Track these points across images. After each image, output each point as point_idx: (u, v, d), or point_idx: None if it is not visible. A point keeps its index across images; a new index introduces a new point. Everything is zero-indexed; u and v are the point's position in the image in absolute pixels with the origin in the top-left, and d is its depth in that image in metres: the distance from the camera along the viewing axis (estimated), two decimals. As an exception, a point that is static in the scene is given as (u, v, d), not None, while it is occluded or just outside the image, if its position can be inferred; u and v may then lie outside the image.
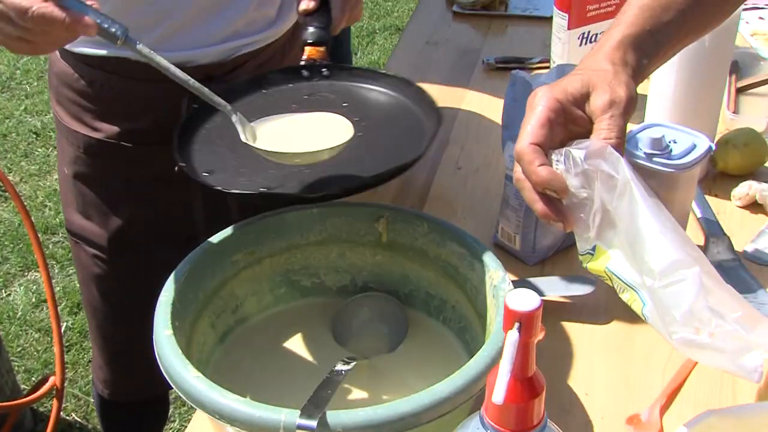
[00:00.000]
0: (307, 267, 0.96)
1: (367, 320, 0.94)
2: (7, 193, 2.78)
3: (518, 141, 0.70)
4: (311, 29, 1.06)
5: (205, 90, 0.89)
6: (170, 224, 1.19)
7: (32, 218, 1.82)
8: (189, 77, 0.87)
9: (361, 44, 3.70)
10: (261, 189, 0.92)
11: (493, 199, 1.13)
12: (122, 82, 1.11)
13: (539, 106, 0.71)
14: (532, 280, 0.98)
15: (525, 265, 1.03)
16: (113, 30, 0.83)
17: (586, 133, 0.71)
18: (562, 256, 1.04)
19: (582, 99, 0.72)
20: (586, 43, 1.26)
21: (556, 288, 0.98)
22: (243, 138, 0.89)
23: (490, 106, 1.38)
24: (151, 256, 1.11)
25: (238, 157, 0.96)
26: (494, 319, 0.79)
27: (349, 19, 1.10)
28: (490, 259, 0.84)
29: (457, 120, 1.37)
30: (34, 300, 2.31)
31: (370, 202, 0.95)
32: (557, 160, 0.69)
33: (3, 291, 2.35)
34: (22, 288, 2.36)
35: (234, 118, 0.90)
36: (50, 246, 2.51)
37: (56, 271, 2.42)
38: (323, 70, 1.07)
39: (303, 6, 1.06)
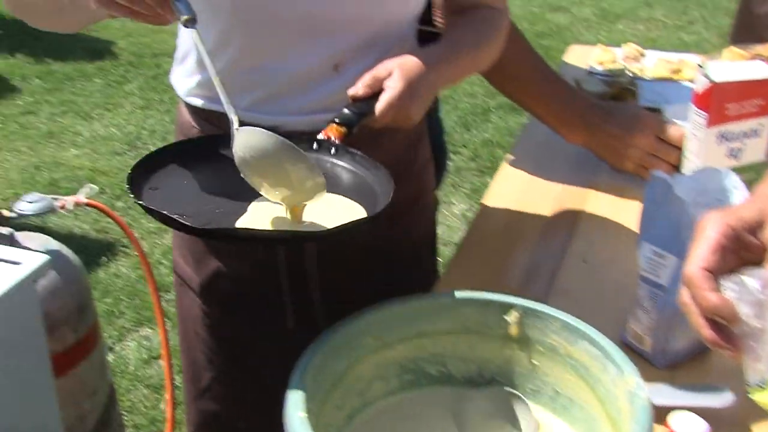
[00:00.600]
0: (434, 355, 0.97)
1: (490, 414, 0.95)
2: (127, 249, 2.92)
3: (687, 264, 0.71)
4: (345, 111, 1.07)
5: (224, 95, 0.97)
6: (257, 278, 1.25)
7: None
8: (215, 74, 0.97)
9: (475, 121, 3.76)
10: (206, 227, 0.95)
11: (621, 296, 1.12)
12: None
13: (712, 231, 0.72)
14: (662, 385, 0.97)
15: (654, 368, 1.02)
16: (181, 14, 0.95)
17: (760, 261, 0.71)
18: (696, 360, 1.02)
19: (757, 226, 0.73)
20: (724, 142, 1.26)
21: (687, 396, 0.96)
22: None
23: (618, 202, 1.38)
24: (240, 306, 1.24)
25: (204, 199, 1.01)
26: (629, 426, 0.79)
27: (393, 122, 1.09)
28: (624, 363, 0.84)
29: (583, 213, 1.37)
30: (145, 356, 2.40)
31: (502, 295, 0.96)
32: (728, 287, 0.69)
33: (117, 345, 2.45)
34: (134, 343, 2.46)
35: (234, 129, 0.96)
36: (163, 304, 2.61)
37: (168, 328, 2.50)
38: (332, 148, 1.08)
39: (352, 91, 1.08)
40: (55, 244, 1.75)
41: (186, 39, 1.24)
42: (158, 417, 2.20)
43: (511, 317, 0.94)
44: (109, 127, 3.78)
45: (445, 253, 2.90)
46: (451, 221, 3.08)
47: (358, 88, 1.07)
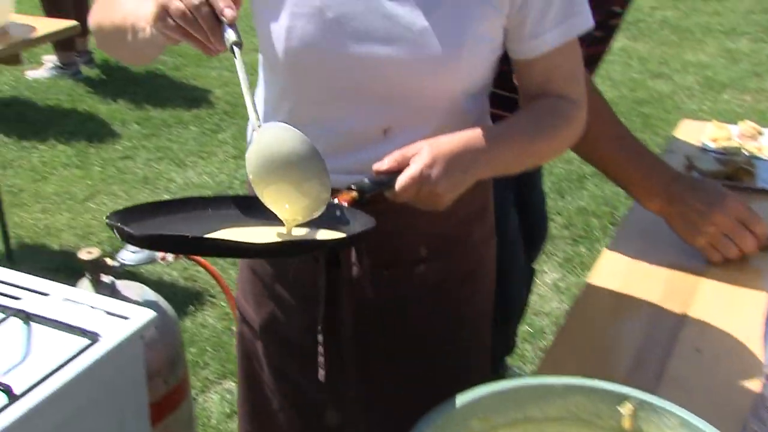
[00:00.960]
0: (541, 442, 0.95)
1: None
2: (214, 299, 2.97)
3: None
4: (364, 180, 1.08)
5: (249, 99, 1.01)
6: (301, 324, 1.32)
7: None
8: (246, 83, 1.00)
9: (570, 188, 3.72)
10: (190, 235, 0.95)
11: (739, 392, 1.08)
12: None
13: None
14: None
15: (774, 473, 0.97)
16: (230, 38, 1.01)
17: None
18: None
19: None
20: None
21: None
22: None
23: (732, 290, 1.34)
24: (293, 346, 1.33)
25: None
26: None
27: (418, 199, 1.09)
28: (750, 470, 0.80)
29: (695, 299, 1.34)
30: (227, 410, 2.42)
31: (616, 384, 0.94)
32: None
33: (199, 397, 2.48)
34: (217, 396, 2.48)
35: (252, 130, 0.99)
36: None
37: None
38: (337, 211, 1.09)
39: (377, 165, 1.08)
40: (152, 295, 1.80)
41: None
42: (237, 473, 2.21)
43: (625, 409, 0.91)
44: (202, 175, 3.88)
45: (535, 323, 2.86)
46: (543, 290, 3.04)
47: (383, 163, 1.09)
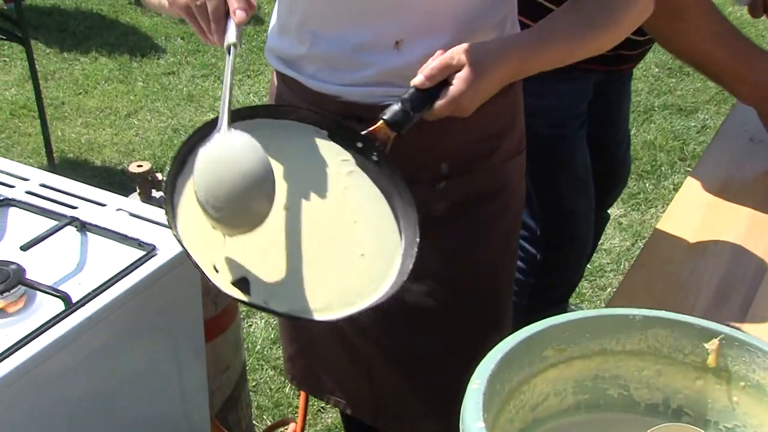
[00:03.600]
0: (617, 377, 0.94)
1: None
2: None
3: None
4: (397, 108, 1.07)
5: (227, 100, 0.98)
6: None
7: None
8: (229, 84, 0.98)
9: (636, 121, 3.65)
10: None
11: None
12: None
13: None
14: None
15: None
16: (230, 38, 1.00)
17: None
18: None
19: None
20: None
21: None
22: None
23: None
24: None
25: None
26: None
27: (453, 112, 1.09)
28: None
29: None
30: (273, 336, 2.45)
31: (702, 320, 0.92)
32: None
33: (245, 321, 2.52)
34: (263, 321, 2.52)
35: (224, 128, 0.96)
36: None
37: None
38: (374, 154, 1.08)
39: (417, 81, 1.07)
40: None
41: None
42: (282, 400, 2.25)
43: (712, 345, 0.90)
44: (249, 95, 3.87)
45: (594, 260, 2.83)
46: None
47: (424, 81, 1.07)
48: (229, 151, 0.95)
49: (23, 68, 3.94)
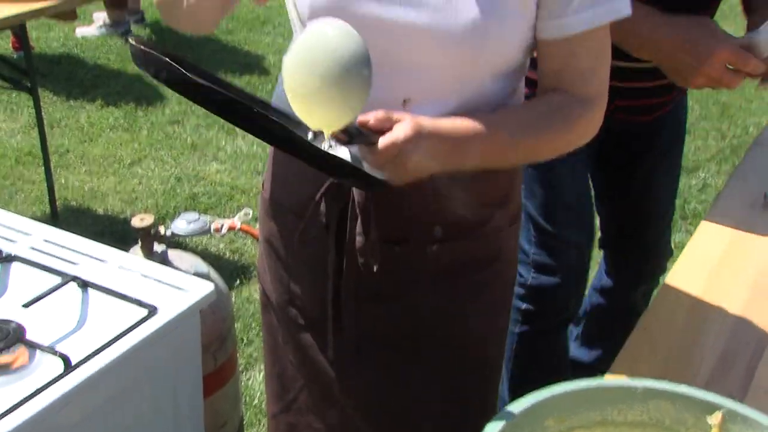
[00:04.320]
0: (619, 448, 0.94)
1: None
2: (260, 274, 2.99)
3: None
4: (354, 124, 1.07)
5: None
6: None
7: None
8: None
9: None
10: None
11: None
12: None
13: None
14: None
15: None
16: None
17: None
18: None
19: None
20: None
21: None
22: None
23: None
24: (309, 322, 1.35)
25: None
26: None
27: (388, 165, 1.09)
28: None
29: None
30: (271, 389, 2.43)
31: (704, 392, 0.92)
32: None
33: (243, 374, 2.50)
34: (261, 374, 2.50)
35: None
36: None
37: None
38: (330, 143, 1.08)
39: (362, 117, 1.08)
40: (204, 267, 1.81)
41: None
42: (279, 455, 2.22)
43: (714, 419, 0.89)
44: (253, 145, 3.89)
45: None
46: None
47: (369, 117, 1.08)
48: (318, 36, 1.01)
49: (30, 116, 3.97)
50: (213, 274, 1.82)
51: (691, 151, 3.90)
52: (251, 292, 2.90)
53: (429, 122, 1.11)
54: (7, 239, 1.28)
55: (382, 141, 1.06)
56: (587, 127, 1.23)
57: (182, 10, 1.17)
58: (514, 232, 1.39)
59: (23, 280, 1.20)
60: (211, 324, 1.69)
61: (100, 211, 3.38)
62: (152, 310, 1.13)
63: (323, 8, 1.15)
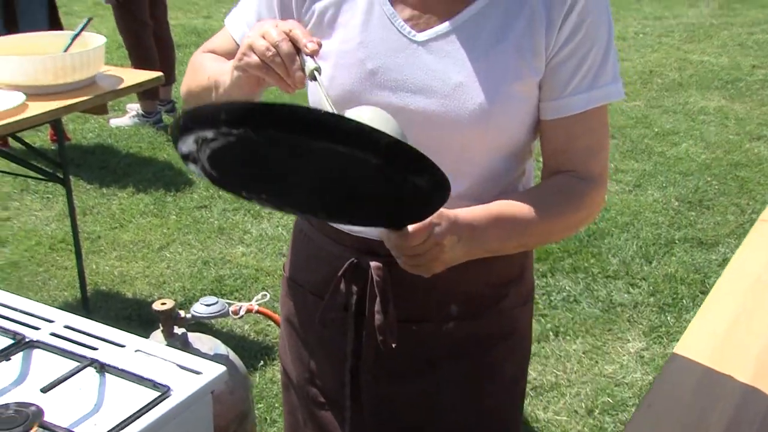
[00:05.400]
0: None
1: None
2: (284, 355, 3.01)
3: None
4: None
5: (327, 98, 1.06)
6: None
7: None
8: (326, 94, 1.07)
9: (657, 254, 3.66)
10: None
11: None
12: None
13: None
14: None
15: None
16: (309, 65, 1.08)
17: None
18: None
19: None
20: None
21: None
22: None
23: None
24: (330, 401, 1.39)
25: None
26: None
27: (413, 259, 1.10)
28: None
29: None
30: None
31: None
32: None
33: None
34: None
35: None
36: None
37: None
38: None
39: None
40: (223, 349, 1.84)
41: None
42: None
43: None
44: (278, 227, 3.96)
45: (617, 394, 2.80)
46: (625, 360, 2.98)
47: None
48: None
49: (64, 204, 4.07)
50: (232, 355, 1.85)
51: (710, 227, 3.91)
52: (275, 372, 2.91)
53: (451, 211, 1.14)
54: (30, 326, 1.32)
55: (413, 225, 1.09)
56: (594, 205, 1.27)
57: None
58: (527, 310, 1.42)
59: (44, 365, 1.24)
60: (230, 404, 1.71)
61: (129, 294, 3.44)
62: (165, 391, 1.16)
63: (341, 97, 1.21)
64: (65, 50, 2.71)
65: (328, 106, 1.06)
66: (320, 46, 1.09)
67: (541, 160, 1.31)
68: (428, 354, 1.32)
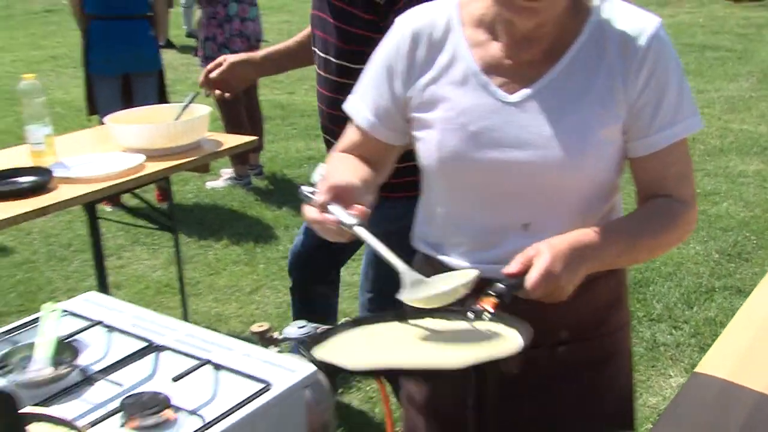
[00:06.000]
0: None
1: None
2: (359, 382, 3.13)
3: None
4: (499, 285, 1.19)
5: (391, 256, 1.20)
6: None
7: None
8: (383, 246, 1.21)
9: (698, 300, 3.70)
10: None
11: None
12: None
13: None
14: None
15: None
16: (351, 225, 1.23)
17: None
18: None
19: None
20: None
21: None
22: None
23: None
24: (450, 423, 1.42)
25: None
26: None
27: (547, 293, 1.17)
28: None
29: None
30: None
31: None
32: None
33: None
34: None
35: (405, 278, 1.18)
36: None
37: None
38: (484, 315, 1.19)
39: (506, 269, 1.19)
40: (310, 366, 1.98)
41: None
42: None
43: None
44: (354, 275, 4.10)
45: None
46: (668, 393, 3.03)
47: (511, 266, 1.19)
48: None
49: (168, 254, 4.32)
50: (320, 375, 1.98)
51: (749, 277, 3.93)
52: (351, 398, 3.04)
53: (558, 240, 1.21)
54: (158, 333, 1.49)
55: (530, 277, 1.16)
56: (688, 224, 1.34)
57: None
58: (626, 332, 1.47)
59: (170, 364, 1.40)
60: (317, 412, 1.84)
61: (225, 331, 3.62)
62: (267, 385, 1.31)
63: (449, 158, 1.32)
64: (176, 119, 2.95)
65: (384, 250, 1.23)
66: (361, 212, 1.24)
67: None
68: (544, 375, 1.36)
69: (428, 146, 1.36)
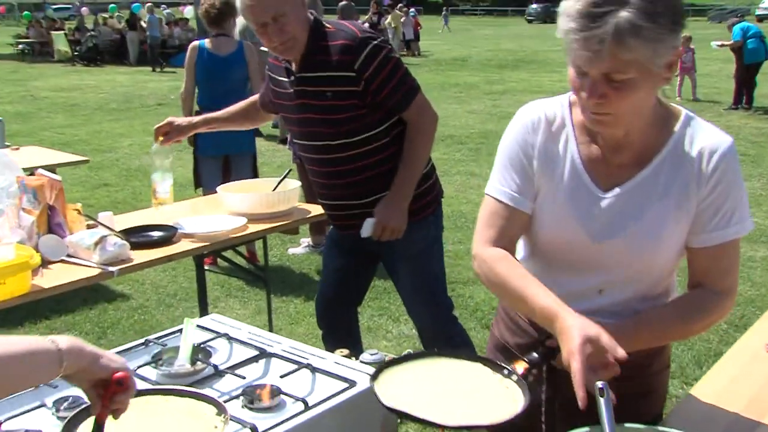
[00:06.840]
0: None
1: None
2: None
3: None
4: (535, 354, 1.28)
5: None
6: None
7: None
8: None
9: (708, 361, 3.77)
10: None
11: None
12: None
13: None
14: None
15: None
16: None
17: None
18: None
19: None
20: None
21: None
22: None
23: None
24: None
25: None
26: None
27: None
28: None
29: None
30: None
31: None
32: None
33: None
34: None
35: None
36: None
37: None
38: (513, 376, 1.26)
39: (551, 342, 1.27)
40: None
41: None
42: None
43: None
44: (413, 329, 4.28)
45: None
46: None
47: (554, 340, 1.26)
48: None
49: (256, 306, 4.57)
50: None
51: None
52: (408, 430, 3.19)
53: (595, 326, 1.24)
54: (268, 345, 1.73)
55: (560, 357, 1.24)
56: (723, 311, 1.40)
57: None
58: (666, 374, 1.55)
59: (277, 367, 1.63)
60: (385, 417, 2.02)
61: (301, 370, 3.82)
62: (352, 384, 1.53)
63: (548, 239, 1.43)
64: (274, 189, 3.24)
65: None
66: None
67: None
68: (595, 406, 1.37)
69: (548, 233, 1.43)
